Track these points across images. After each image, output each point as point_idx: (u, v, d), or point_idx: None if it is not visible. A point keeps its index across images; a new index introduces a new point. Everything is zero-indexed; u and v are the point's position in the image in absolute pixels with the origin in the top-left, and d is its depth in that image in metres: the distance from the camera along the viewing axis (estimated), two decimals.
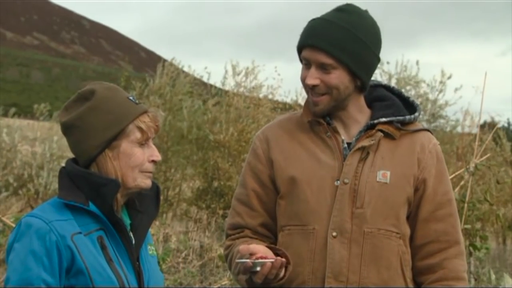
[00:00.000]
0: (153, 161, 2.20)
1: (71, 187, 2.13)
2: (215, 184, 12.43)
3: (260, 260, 2.25)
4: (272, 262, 2.26)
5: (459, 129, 13.95)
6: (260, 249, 2.29)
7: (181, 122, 12.58)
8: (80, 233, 2.07)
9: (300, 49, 2.45)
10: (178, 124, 12.62)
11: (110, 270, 2.08)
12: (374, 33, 2.45)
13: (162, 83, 12.96)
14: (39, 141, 13.88)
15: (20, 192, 12.38)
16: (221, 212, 11.67)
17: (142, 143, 2.17)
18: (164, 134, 12.63)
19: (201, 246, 8.92)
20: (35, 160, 12.88)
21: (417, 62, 13.64)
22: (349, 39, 2.38)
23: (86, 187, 2.12)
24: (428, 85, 13.73)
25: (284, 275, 2.34)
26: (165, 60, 13.60)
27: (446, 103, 13.74)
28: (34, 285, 1.99)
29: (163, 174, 12.81)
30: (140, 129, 2.16)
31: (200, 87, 13.81)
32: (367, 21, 2.45)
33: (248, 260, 2.25)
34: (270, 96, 13.47)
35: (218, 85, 13.89)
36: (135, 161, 2.16)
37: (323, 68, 2.39)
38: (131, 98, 2.19)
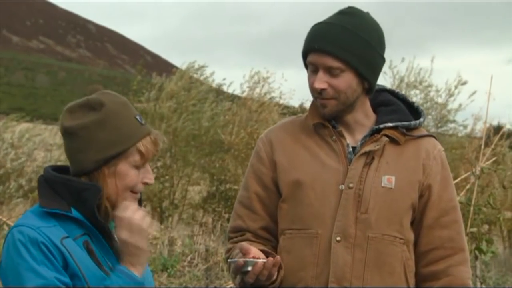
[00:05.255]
0: (145, 183, 2.19)
1: (51, 195, 2.11)
2: (222, 187, 12.44)
3: (251, 259, 2.25)
4: (264, 262, 2.26)
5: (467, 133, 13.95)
6: (252, 249, 2.29)
7: (195, 126, 12.61)
8: (68, 237, 2.06)
9: (305, 54, 2.45)
10: (191, 126, 12.64)
11: (102, 273, 2.07)
12: (377, 34, 2.45)
13: (177, 88, 12.97)
14: (57, 147, 13.86)
15: (29, 195, 12.37)
16: (226, 215, 11.68)
17: (138, 166, 2.15)
18: (174, 138, 12.65)
19: (207, 250, 8.93)
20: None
21: (431, 69, 13.64)
22: (355, 41, 2.38)
23: (67, 193, 2.10)
24: (437, 91, 13.73)
25: (276, 279, 2.34)
26: (171, 65, 13.64)
27: (460, 106, 13.74)
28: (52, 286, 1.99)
29: (169, 179, 12.83)
30: (140, 152, 2.13)
31: (217, 94, 13.84)
32: (370, 23, 2.45)
33: (239, 259, 2.25)
34: (280, 102, 13.52)
35: (236, 92, 13.96)
36: (129, 183, 2.14)
37: (331, 71, 2.38)
38: (137, 117, 2.16)
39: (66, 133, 2.14)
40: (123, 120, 2.12)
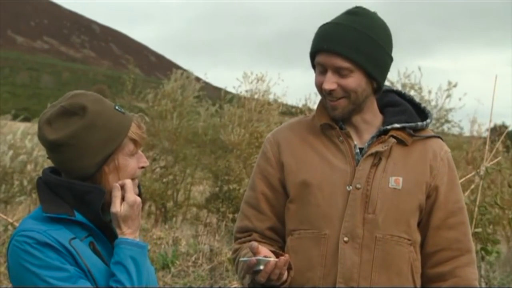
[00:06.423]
0: (142, 167, 2.20)
1: (53, 199, 2.09)
2: (225, 187, 12.45)
3: (264, 258, 2.25)
4: (276, 261, 2.25)
5: (466, 133, 13.96)
6: (263, 250, 2.29)
7: (194, 124, 12.64)
8: (76, 238, 2.06)
9: (313, 54, 2.44)
10: (189, 125, 12.67)
11: (109, 271, 2.08)
12: (385, 34, 2.45)
13: (173, 88, 13.04)
14: None
15: (33, 195, 12.37)
16: (230, 216, 11.68)
17: (133, 154, 2.17)
18: (174, 137, 12.68)
19: (211, 250, 8.92)
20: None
21: (419, 68, 13.70)
22: (363, 41, 2.37)
23: (70, 196, 2.09)
24: (429, 92, 13.77)
25: (286, 280, 2.34)
26: (175, 65, 13.68)
27: (450, 110, 13.79)
28: (78, 283, 2.00)
29: (173, 178, 12.84)
30: (133, 140, 2.15)
31: (213, 92, 13.86)
32: (378, 22, 2.45)
33: (252, 258, 2.25)
34: (279, 100, 13.53)
35: (232, 90, 13.95)
36: (129, 172, 2.15)
37: (340, 72, 2.38)
38: (117, 108, 2.16)
39: (54, 145, 2.09)
40: (108, 116, 2.11)
